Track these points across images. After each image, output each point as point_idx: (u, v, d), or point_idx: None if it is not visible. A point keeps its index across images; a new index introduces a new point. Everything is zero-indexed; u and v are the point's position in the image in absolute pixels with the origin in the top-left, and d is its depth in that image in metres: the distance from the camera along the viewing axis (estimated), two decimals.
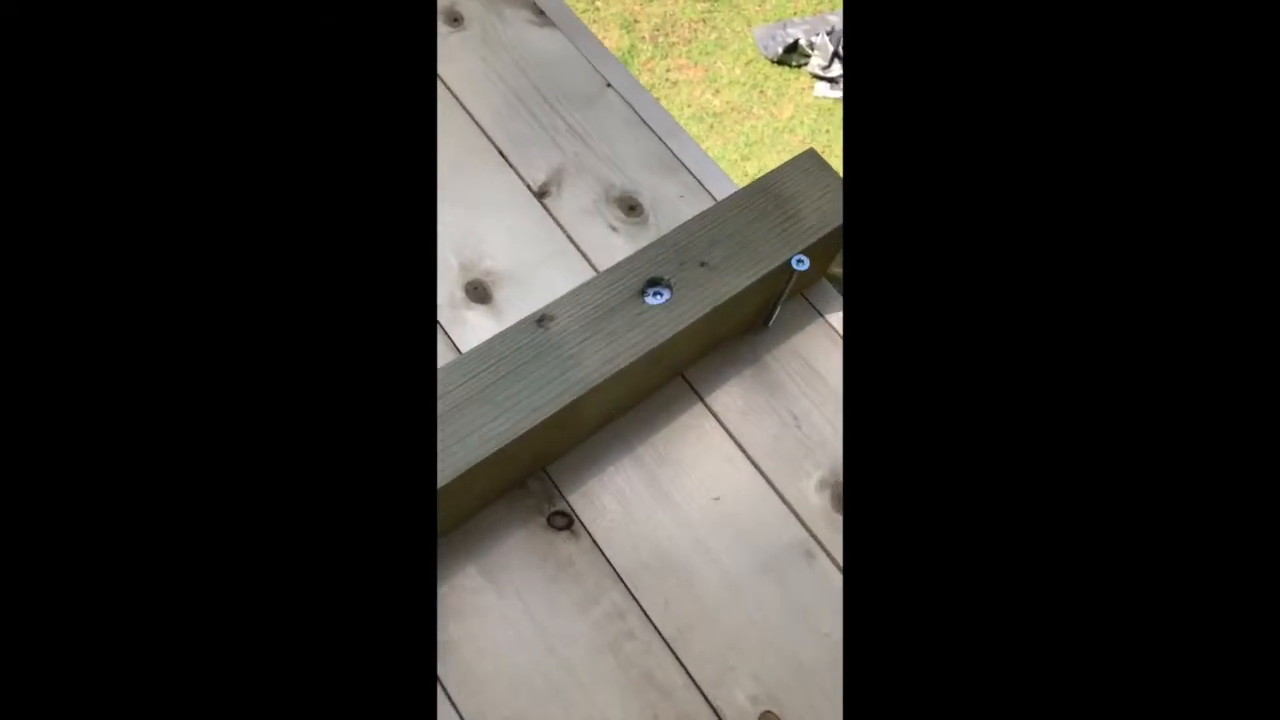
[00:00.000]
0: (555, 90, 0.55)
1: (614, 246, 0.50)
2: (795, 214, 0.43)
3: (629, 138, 0.54)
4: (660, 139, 0.54)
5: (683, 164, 0.53)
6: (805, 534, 0.44)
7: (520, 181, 0.52)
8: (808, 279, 0.49)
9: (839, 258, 0.49)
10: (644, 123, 0.55)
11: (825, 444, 0.46)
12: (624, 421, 0.45)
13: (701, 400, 0.47)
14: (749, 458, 0.45)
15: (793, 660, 0.41)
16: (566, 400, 0.37)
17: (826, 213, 0.44)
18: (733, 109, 2.23)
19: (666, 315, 0.40)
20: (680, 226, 0.43)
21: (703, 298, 0.41)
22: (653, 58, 2.32)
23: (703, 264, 0.42)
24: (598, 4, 2.46)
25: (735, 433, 0.46)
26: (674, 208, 0.52)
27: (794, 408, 0.47)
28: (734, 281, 0.41)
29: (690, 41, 2.35)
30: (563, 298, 0.40)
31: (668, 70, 2.30)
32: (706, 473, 0.45)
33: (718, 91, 2.24)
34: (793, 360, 0.48)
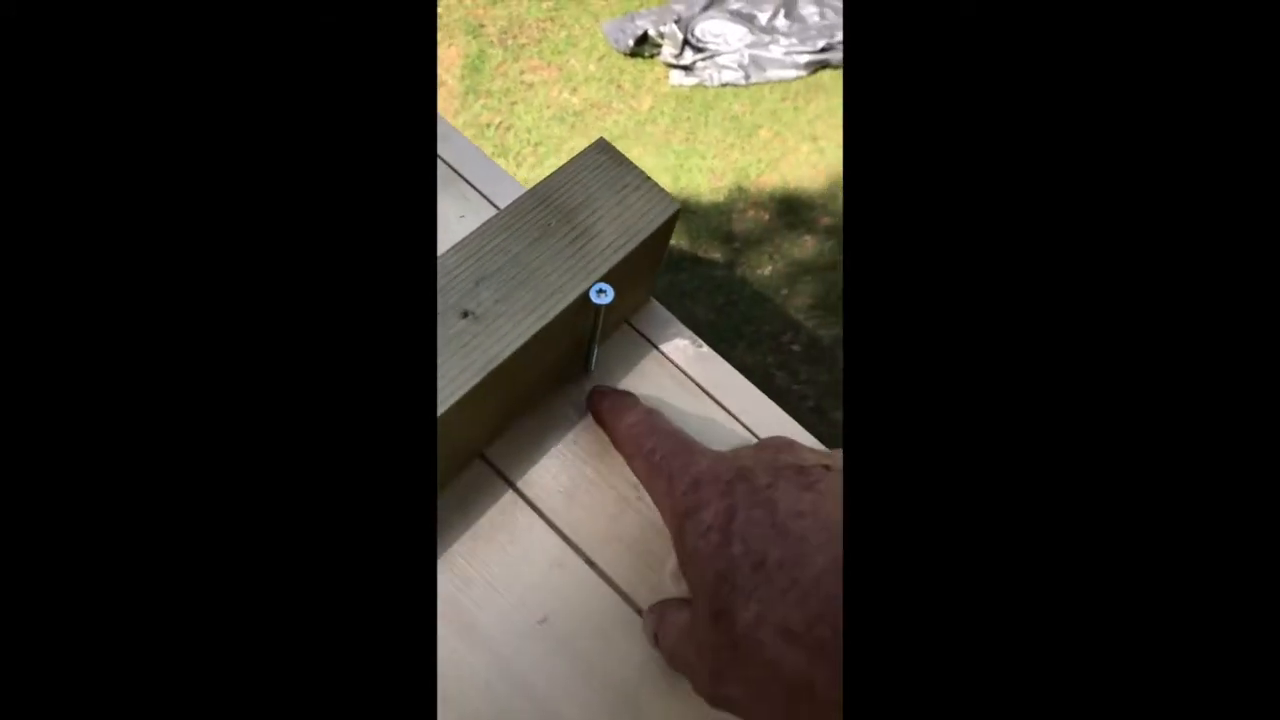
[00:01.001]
0: None
1: None
2: (588, 229, 0.32)
3: None
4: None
5: (461, 175, 0.42)
6: None
7: None
8: (630, 306, 0.39)
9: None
10: None
11: None
12: None
13: (510, 486, 0.35)
14: (581, 554, 0.34)
15: None
16: None
17: (629, 222, 0.33)
18: (592, 106, 2.13)
19: None
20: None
21: (468, 363, 0.29)
22: (504, 62, 2.20)
23: (465, 314, 0.30)
24: (439, 11, 2.32)
25: (559, 522, 0.35)
26: (452, 231, 0.40)
27: (632, 474, 0.36)
28: (511, 334, 0.30)
29: (540, 41, 2.24)
30: None
31: (521, 73, 2.18)
32: (526, 585, 0.33)
33: (575, 90, 2.14)
34: None
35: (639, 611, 0.33)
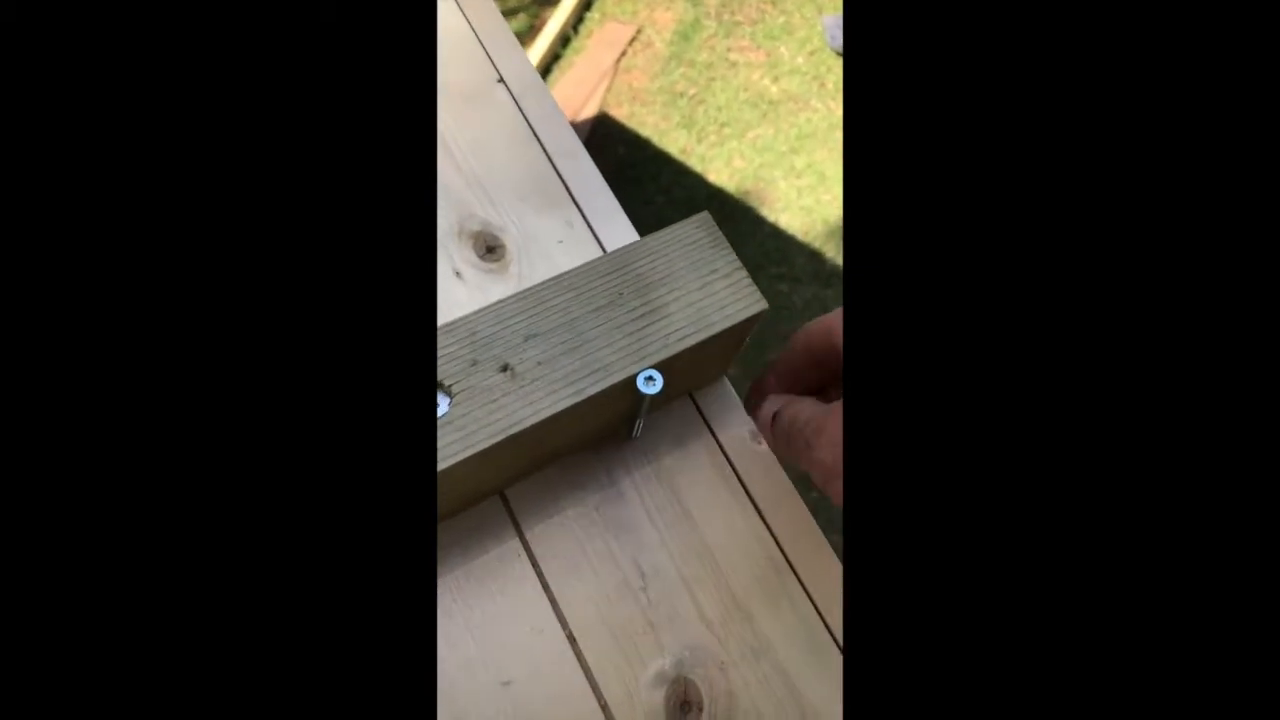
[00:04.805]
0: None
1: (455, 299, 0.37)
2: (659, 309, 0.30)
3: (509, 153, 0.41)
4: (550, 160, 0.41)
5: (573, 198, 0.40)
6: None
7: None
8: (695, 381, 0.36)
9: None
10: (534, 136, 0.41)
11: (677, 618, 0.33)
12: None
13: (519, 534, 0.34)
14: (565, 627, 0.33)
15: None
16: None
17: (705, 311, 0.30)
18: (790, 98, 2.07)
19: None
20: (487, 308, 0.30)
21: (493, 421, 0.28)
22: (714, 35, 2.17)
23: (505, 368, 0.29)
24: None
25: (555, 588, 0.33)
26: (548, 255, 0.39)
27: (645, 560, 0.34)
28: (542, 403, 0.28)
29: (756, 23, 2.18)
30: None
31: (729, 50, 2.14)
32: (503, 641, 0.32)
33: (777, 79, 2.08)
34: (657, 491, 0.35)
35: (604, 705, 0.32)
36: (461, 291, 0.38)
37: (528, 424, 0.28)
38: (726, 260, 0.31)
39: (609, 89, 2.00)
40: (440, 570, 0.33)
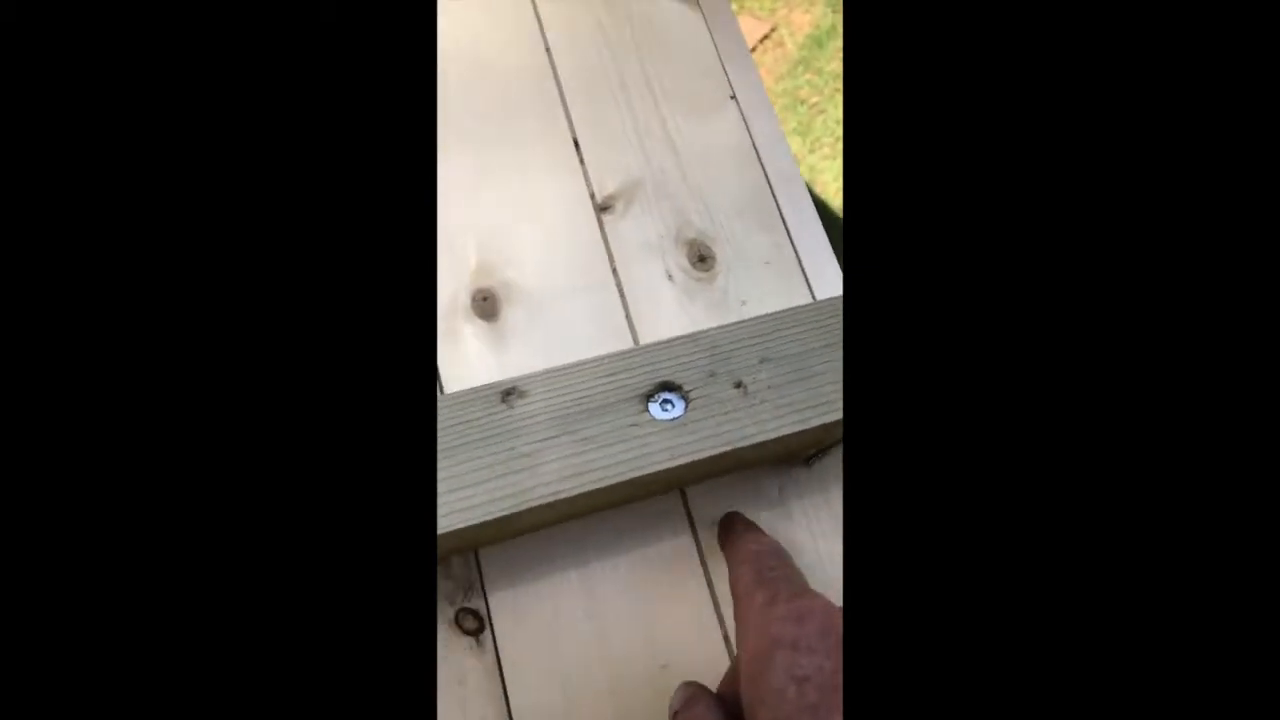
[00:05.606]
0: (668, 83, 0.44)
1: (662, 298, 0.40)
2: None
3: (731, 170, 0.43)
4: (769, 183, 0.43)
5: (784, 223, 0.42)
6: None
7: (584, 182, 0.42)
8: None
9: None
10: (756, 156, 0.43)
11: None
12: (588, 523, 0.36)
13: (692, 531, 0.37)
14: (722, 623, 0.35)
15: None
16: (501, 511, 0.28)
17: None
18: None
19: (668, 439, 0.30)
20: (728, 326, 0.32)
21: (722, 431, 0.30)
22: None
23: (739, 385, 0.31)
24: None
25: (718, 587, 0.36)
26: (754, 274, 0.41)
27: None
28: (769, 424, 0.31)
29: None
30: (542, 374, 0.31)
31: None
32: (666, 627, 0.35)
33: None
34: (825, 519, 0.37)
35: None
36: (668, 292, 0.40)
37: (752, 441, 0.30)
38: None
39: None
40: (620, 549, 0.36)
